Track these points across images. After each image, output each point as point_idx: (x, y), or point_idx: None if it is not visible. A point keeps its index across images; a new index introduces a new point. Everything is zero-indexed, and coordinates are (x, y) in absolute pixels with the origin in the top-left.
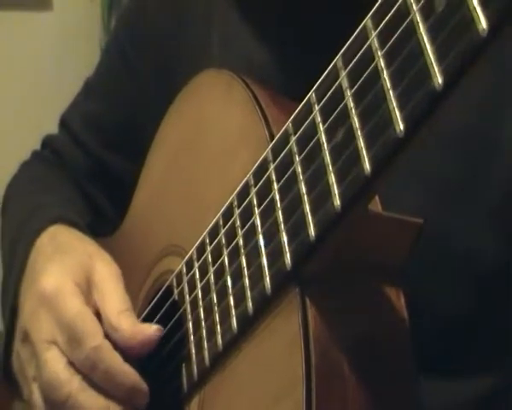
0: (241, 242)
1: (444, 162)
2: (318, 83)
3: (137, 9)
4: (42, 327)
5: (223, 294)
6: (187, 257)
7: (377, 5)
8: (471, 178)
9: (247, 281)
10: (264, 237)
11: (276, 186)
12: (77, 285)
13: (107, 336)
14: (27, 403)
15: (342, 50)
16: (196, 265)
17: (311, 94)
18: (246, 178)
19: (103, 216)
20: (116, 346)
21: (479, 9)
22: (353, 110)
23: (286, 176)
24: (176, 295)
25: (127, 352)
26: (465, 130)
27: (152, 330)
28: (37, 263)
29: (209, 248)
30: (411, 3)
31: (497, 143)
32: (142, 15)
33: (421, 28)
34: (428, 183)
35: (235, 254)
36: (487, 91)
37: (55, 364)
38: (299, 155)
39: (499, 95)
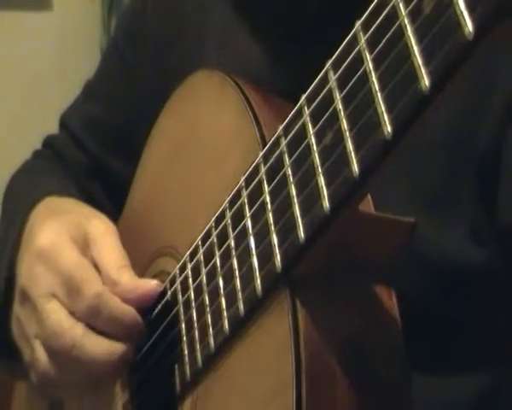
0: (232, 243)
1: (426, 165)
2: (310, 87)
3: (136, 13)
4: (40, 282)
5: (215, 295)
6: (181, 261)
7: (369, 10)
8: (454, 181)
9: (238, 283)
10: (255, 239)
11: (266, 189)
12: (73, 240)
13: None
14: (28, 365)
15: (334, 55)
16: (189, 266)
17: (302, 97)
18: (238, 181)
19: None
20: None
21: (465, 13)
22: (342, 113)
23: (276, 179)
24: (169, 296)
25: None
26: (447, 132)
27: (152, 284)
28: (33, 226)
29: (201, 250)
30: (400, 7)
31: (479, 146)
32: (140, 19)
33: (409, 31)
34: (410, 186)
35: (226, 256)
36: (469, 94)
37: (57, 314)
38: (290, 158)
39: (481, 97)
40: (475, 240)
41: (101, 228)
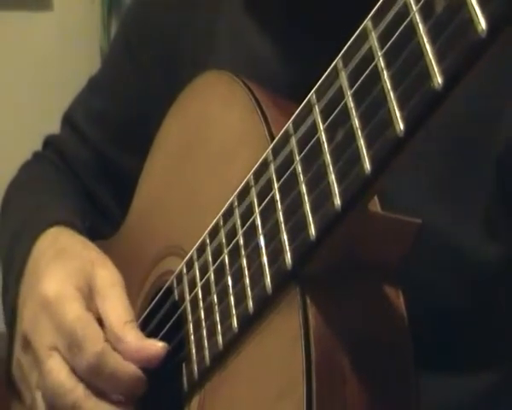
0: (241, 241)
1: (441, 152)
2: (319, 83)
3: (144, 4)
4: (43, 333)
5: (223, 293)
6: (187, 257)
7: (377, 6)
8: (469, 167)
9: (247, 280)
10: (265, 237)
11: (276, 186)
12: (78, 290)
13: (108, 342)
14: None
15: (342, 51)
16: (196, 264)
17: (312, 94)
18: (246, 178)
19: (107, 216)
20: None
21: (478, 10)
22: (353, 110)
23: (286, 176)
24: (176, 295)
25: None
26: (464, 118)
27: (157, 347)
28: (38, 266)
29: (209, 248)
30: (411, 4)
31: (496, 131)
32: (148, 10)
33: (421, 29)
34: (425, 173)
35: (235, 254)
36: (487, 79)
37: (59, 372)
38: (300, 155)
39: (498, 83)
40: (491, 235)
41: (107, 279)
